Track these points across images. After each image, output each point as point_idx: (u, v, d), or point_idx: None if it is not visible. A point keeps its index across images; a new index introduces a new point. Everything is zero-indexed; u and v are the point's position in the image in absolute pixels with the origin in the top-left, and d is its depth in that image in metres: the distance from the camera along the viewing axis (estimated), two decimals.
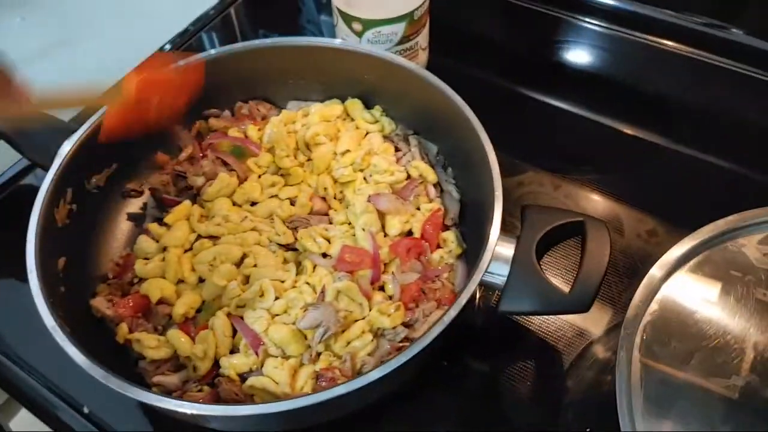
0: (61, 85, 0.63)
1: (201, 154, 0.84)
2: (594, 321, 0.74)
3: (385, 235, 0.76)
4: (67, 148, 0.72)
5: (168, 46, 1.06)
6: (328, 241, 0.75)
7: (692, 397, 0.51)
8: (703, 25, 1.00)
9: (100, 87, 0.68)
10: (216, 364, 0.68)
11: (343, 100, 0.88)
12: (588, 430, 0.66)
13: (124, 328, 0.69)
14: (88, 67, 1.02)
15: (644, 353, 0.52)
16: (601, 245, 0.62)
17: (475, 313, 0.76)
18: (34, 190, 0.69)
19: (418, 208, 0.78)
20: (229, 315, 0.69)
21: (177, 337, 0.68)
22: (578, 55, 1.05)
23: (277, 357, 0.67)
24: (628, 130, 0.94)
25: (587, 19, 1.06)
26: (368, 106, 0.88)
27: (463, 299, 0.60)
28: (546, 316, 0.74)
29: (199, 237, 0.76)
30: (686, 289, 0.58)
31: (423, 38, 0.91)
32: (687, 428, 0.50)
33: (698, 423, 0.50)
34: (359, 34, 0.86)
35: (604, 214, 0.84)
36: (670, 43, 1.01)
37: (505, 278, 0.63)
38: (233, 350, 0.69)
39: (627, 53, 1.04)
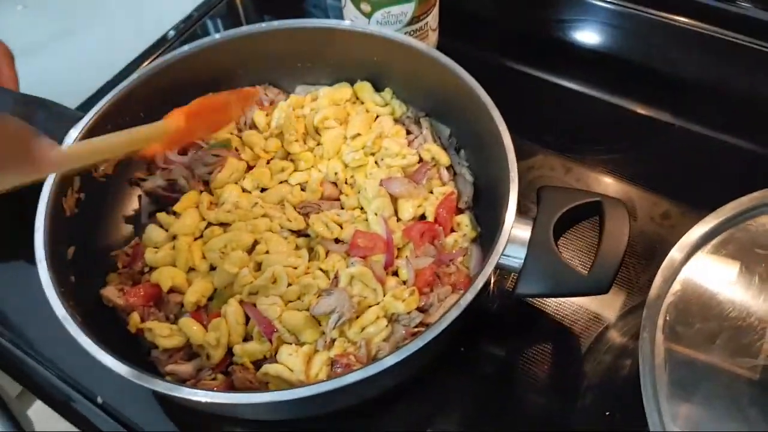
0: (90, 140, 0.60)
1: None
2: (610, 305, 0.72)
3: (398, 219, 0.75)
4: (74, 135, 0.71)
5: (172, 32, 1.05)
6: (340, 226, 0.74)
7: (717, 378, 0.50)
8: (713, 0, 0.97)
9: (135, 133, 0.60)
10: (229, 352, 0.67)
11: (352, 83, 0.86)
12: (608, 413, 0.65)
13: (135, 317, 0.68)
14: (91, 56, 1.01)
15: (667, 335, 0.51)
16: (620, 225, 0.61)
17: (491, 297, 0.75)
18: (42, 180, 0.68)
19: (431, 192, 0.76)
20: (241, 302, 0.68)
21: (189, 325, 0.67)
22: (587, 34, 1.03)
23: (291, 344, 0.66)
24: (641, 110, 0.93)
25: None
26: (378, 89, 0.86)
27: (479, 283, 0.59)
28: (562, 301, 0.73)
29: (210, 225, 0.75)
30: (709, 269, 0.57)
31: (433, 19, 0.89)
32: (713, 410, 0.49)
33: (724, 404, 0.49)
34: (368, 15, 0.85)
35: (618, 197, 0.82)
36: (681, 19, 0.99)
37: (522, 261, 0.62)
38: (246, 338, 0.68)
39: (638, 31, 1.01)
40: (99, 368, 0.56)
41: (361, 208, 0.75)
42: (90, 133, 0.72)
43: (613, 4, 1.02)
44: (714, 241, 0.58)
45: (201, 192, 0.78)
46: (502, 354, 0.71)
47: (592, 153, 0.88)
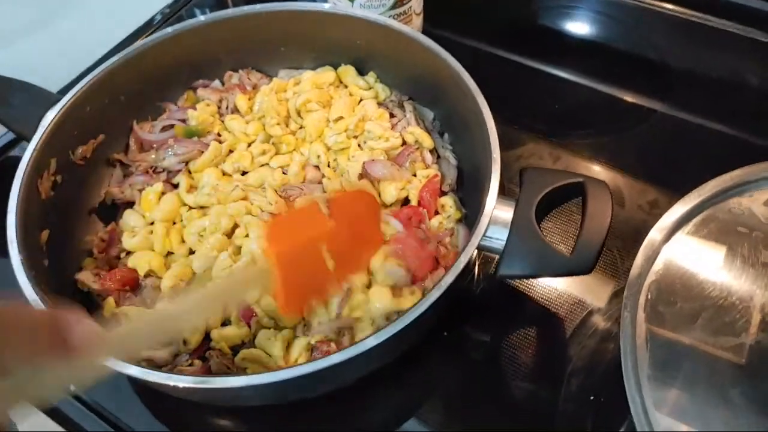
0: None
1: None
2: (596, 290, 0.71)
3: (382, 203, 0.74)
4: (50, 117, 0.70)
5: (158, 17, 1.03)
6: None
7: (700, 358, 0.48)
8: None
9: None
10: (207, 337, 0.66)
11: (335, 67, 0.85)
12: (592, 398, 0.64)
13: (111, 302, 0.67)
14: (74, 42, 0.99)
15: (649, 314, 0.50)
16: (603, 204, 0.59)
17: (476, 282, 0.74)
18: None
19: (414, 175, 0.75)
20: None
21: None
22: (573, 22, 1.02)
23: (269, 328, 0.65)
24: (627, 97, 0.92)
25: None
26: (362, 73, 0.85)
27: (460, 264, 0.58)
28: (547, 285, 0.72)
29: (190, 209, 0.74)
30: (690, 249, 0.56)
31: (417, 3, 0.88)
32: (695, 390, 0.48)
33: (707, 385, 0.48)
34: None
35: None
36: (666, 5, 0.98)
37: (504, 242, 0.61)
38: (225, 323, 0.67)
39: (621, 18, 1.00)
40: None
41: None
42: (67, 115, 0.71)
43: None
44: (695, 220, 0.56)
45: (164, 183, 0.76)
46: (486, 339, 0.70)
47: (579, 139, 0.87)
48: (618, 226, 0.75)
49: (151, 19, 1.03)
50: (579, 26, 1.02)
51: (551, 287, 0.72)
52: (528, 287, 0.72)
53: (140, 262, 0.69)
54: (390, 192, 0.72)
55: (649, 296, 0.51)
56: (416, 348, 0.66)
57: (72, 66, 0.94)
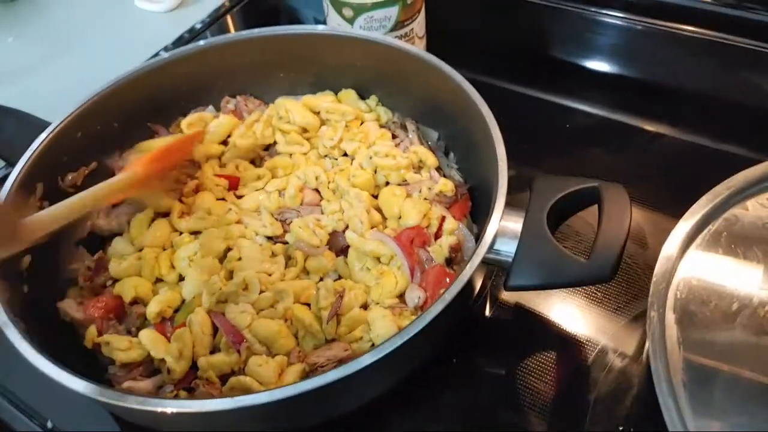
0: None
1: None
2: (618, 307, 0.66)
3: (385, 227, 0.70)
4: (39, 140, 0.67)
5: (163, 53, 1.02)
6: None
7: (742, 362, 0.42)
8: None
9: (99, 189, 0.63)
10: (194, 367, 0.60)
11: (336, 92, 0.82)
12: (621, 429, 0.57)
13: (92, 330, 0.62)
14: (79, 77, 0.99)
15: (679, 315, 0.44)
16: (621, 206, 0.54)
17: (489, 305, 0.68)
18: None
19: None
20: (210, 312, 0.62)
21: (150, 337, 0.61)
22: (574, 48, 0.99)
23: (261, 354, 0.59)
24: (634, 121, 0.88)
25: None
26: (363, 96, 0.82)
27: (465, 276, 0.53)
28: (563, 304, 0.66)
29: (180, 234, 0.70)
30: (716, 246, 0.50)
31: (419, 26, 0.86)
32: (737, 392, 0.41)
33: (751, 387, 0.41)
34: (350, 21, 0.82)
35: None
36: (670, 24, 0.95)
37: (514, 254, 0.56)
38: (214, 351, 0.62)
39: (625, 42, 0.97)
40: (50, 389, 0.50)
41: (343, 212, 0.70)
42: (56, 140, 0.69)
43: (610, 16, 0.98)
44: (725, 215, 0.51)
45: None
46: (499, 366, 0.64)
47: (588, 160, 0.82)
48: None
49: (156, 55, 1.02)
50: (582, 53, 0.98)
51: (569, 307, 0.66)
52: (543, 308, 0.67)
53: (126, 288, 0.64)
54: (411, 215, 0.68)
55: (678, 295, 0.45)
56: (423, 376, 0.61)
57: (71, 100, 0.93)
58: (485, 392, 0.62)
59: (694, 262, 0.49)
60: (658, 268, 0.47)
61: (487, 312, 0.69)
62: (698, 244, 0.50)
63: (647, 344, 0.42)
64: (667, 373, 0.40)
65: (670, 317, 0.44)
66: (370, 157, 0.72)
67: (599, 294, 0.68)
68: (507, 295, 0.69)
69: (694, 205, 0.51)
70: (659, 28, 0.94)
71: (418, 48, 0.76)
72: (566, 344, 0.64)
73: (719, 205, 0.51)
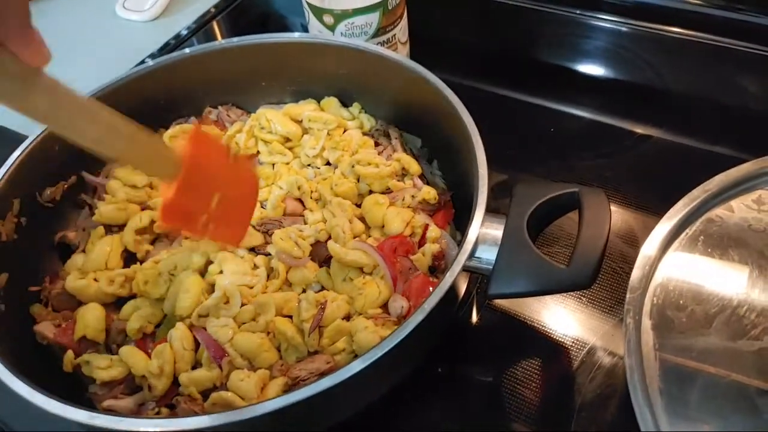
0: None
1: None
2: (602, 313, 0.65)
3: (368, 236, 0.69)
4: (14, 156, 0.67)
5: (149, 60, 1.02)
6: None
7: (718, 364, 0.41)
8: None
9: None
10: (175, 382, 0.60)
11: (318, 100, 0.82)
12: None
13: (70, 355, 0.61)
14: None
15: (656, 320, 0.43)
16: (600, 212, 0.54)
17: (474, 314, 0.68)
18: None
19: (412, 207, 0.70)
20: (191, 327, 0.62)
21: (131, 354, 0.60)
22: (559, 51, 0.99)
23: (243, 369, 0.59)
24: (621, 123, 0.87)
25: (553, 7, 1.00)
26: (346, 104, 0.82)
27: (445, 284, 0.52)
28: (548, 312, 0.66)
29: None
30: (694, 250, 0.49)
31: (401, 31, 0.86)
32: (715, 401, 0.40)
33: (728, 394, 0.40)
34: (331, 28, 0.81)
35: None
36: (657, 26, 0.94)
37: (494, 261, 0.55)
38: (195, 366, 0.61)
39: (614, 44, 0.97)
40: (31, 413, 0.49)
41: (325, 221, 0.69)
42: (32, 154, 0.68)
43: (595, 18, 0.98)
44: (702, 218, 0.50)
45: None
46: (484, 373, 0.63)
47: (573, 164, 0.82)
48: (617, 247, 0.70)
49: (141, 63, 1.01)
50: (568, 56, 0.98)
51: (559, 310, 0.66)
52: (532, 312, 0.66)
53: (78, 326, 0.63)
54: (395, 225, 0.67)
55: (655, 300, 0.45)
56: (409, 385, 0.60)
57: None
58: (472, 400, 0.62)
59: (672, 266, 0.48)
60: (635, 273, 0.46)
61: (474, 318, 0.68)
62: (676, 247, 0.49)
63: (624, 351, 0.42)
64: (642, 381, 0.39)
65: (647, 323, 0.43)
66: (353, 166, 0.71)
67: (589, 295, 0.67)
68: (494, 301, 0.68)
69: (672, 209, 0.50)
70: (645, 30, 0.94)
71: (399, 54, 0.75)
72: (554, 348, 0.64)
73: (697, 208, 0.50)
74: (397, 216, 0.68)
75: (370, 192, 0.72)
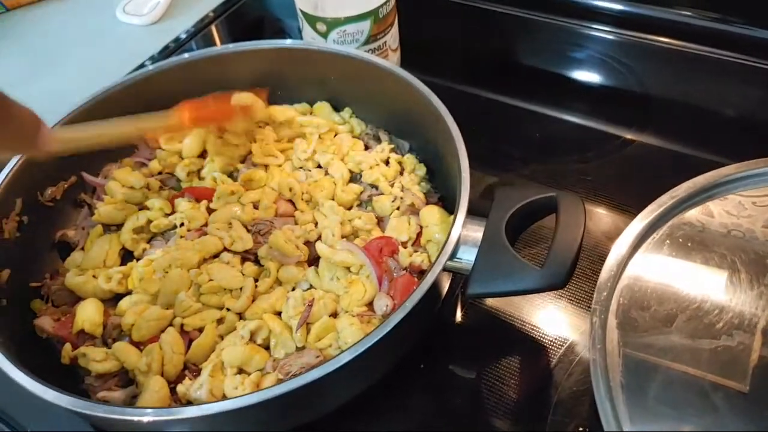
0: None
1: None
2: (579, 314, 0.67)
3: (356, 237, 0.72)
4: (17, 157, 0.69)
5: (148, 63, 1.04)
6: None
7: (678, 362, 0.44)
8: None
9: (139, 121, 0.66)
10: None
11: (311, 104, 0.85)
12: (581, 429, 0.59)
13: (68, 348, 0.63)
14: (57, 91, 1.00)
15: (621, 319, 0.46)
16: (575, 216, 0.56)
17: (457, 312, 0.70)
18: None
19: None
20: (182, 331, 0.64)
21: (124, 349, 0.62)
22: (545, 57, 1.01)
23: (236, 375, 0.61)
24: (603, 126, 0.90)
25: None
26: (337, 109, 0.84)
27: (426, 284, 0.55)
28: (529, 309, 0.68)
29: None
30: (658, 254, 0.52)
31: (392, 39, 0.88)
32: (674, 397, 0.43)
33: (687, 392, 0.43)
34: (324, 35, 0.84)
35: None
36: (642, 35, 0.97)
37: (473, 262, 0.58)
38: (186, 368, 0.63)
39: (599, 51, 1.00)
40: (30, 399, 0.51)
41: (316, 223, 0.72)
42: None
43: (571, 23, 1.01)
44: (670, 222, 0.53)
45: None
46: (466, 370, 0.66)
47: (556, 167, 0.84)
48: (593, 249, 0.73)
49: (140, 67, 1.04)
50: (554, 62, 1.00)
51: (541, 307, 0.68)
52: (514, 310, 0.68)
53: (77, 320, 0.65)
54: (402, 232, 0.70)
55: (621, 300, 0.47)
56: (391, 382, 0.62)
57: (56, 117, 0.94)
58: (454, 396, 0.64)
59: (639, 267, 0.51)
60: (602, 275, 0.49)
61: (458, 316, 0.70)
62: (644, 250, 0.52)
63: (589, 349, 0.44)
64: (605, 375, 0.42)
65: (612, 322, 0.46)
66: (360, 175, 0.74)
67: (569, 294, 0.69)
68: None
69: (641, 213, 0.53)
70: (630, 38, 0.96)
71: (388, 62, 0.78)
72: (535, 346, 0.66)
73: (666, 212, 0.53)
74: (403, 224, 0.71)
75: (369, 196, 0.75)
